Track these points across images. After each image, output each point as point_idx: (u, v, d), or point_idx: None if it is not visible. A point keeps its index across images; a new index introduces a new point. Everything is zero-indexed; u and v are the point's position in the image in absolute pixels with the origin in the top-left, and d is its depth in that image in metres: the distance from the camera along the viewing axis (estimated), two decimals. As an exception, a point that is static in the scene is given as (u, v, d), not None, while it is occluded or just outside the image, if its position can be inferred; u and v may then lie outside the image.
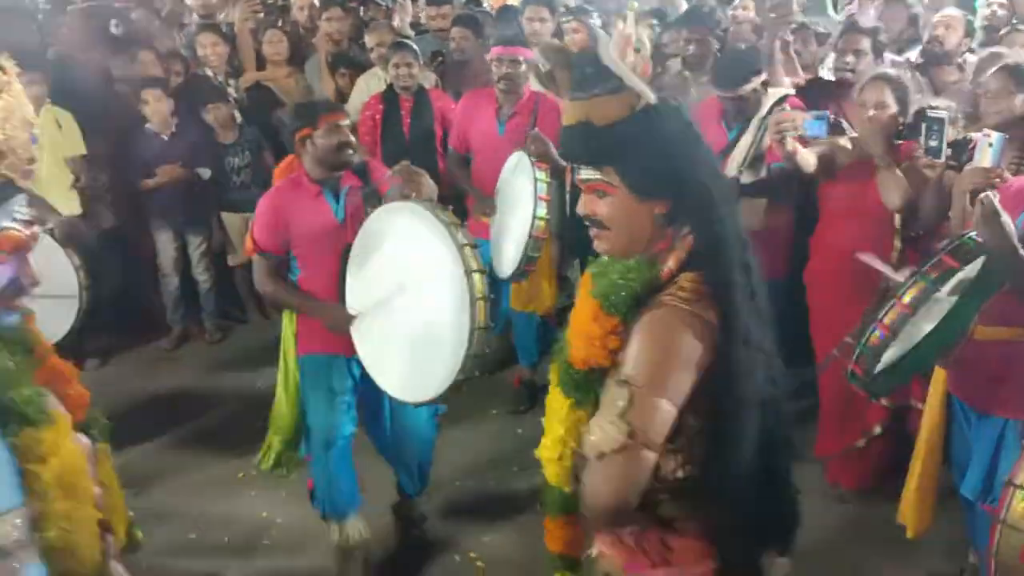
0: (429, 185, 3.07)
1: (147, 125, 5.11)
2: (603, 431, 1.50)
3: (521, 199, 3.88)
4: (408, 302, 2.90)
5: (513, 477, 3.96)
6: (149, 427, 4.44)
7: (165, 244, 5.31)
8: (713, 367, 1.55)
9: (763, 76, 3.82)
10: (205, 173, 5.19)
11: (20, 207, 1.65)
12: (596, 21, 5.58)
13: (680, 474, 1.63)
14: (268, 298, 3.45)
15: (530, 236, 3.75)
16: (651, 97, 1.59)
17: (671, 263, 1.60)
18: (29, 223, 1.69)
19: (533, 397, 4.62)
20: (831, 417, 3.75)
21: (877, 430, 3.61)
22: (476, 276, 2.67)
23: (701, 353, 1.54)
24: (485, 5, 7.24)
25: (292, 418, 3.28)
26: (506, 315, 4.62)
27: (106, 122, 5.14)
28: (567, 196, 4.67)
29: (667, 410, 1.51)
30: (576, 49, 2.53)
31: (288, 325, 3.30)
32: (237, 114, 5.24)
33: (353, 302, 3.07)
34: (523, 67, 4.17)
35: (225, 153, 5.22)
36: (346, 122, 3.21)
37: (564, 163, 4.16)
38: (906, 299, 2.35)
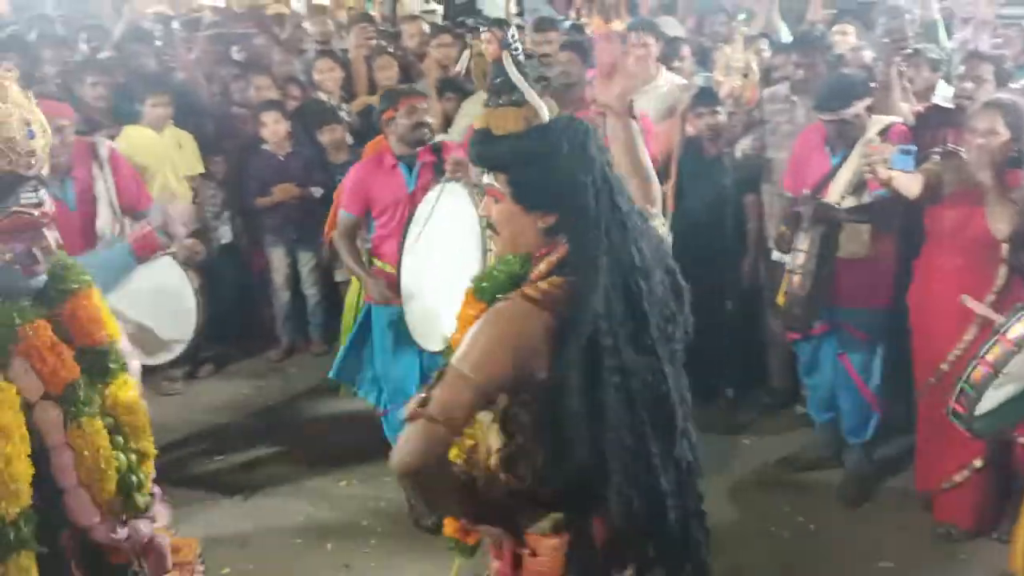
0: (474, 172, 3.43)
1: (264, 146, 5.36)
2: (411, 400, 1.61)
3: None
4: (438, 267, 3.45)
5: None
6: (255, 434, 4.64)
7: (277, 260, 5.54)
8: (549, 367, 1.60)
9: (868, 101, 3.76)
10: (317, 192, 5.40)
11: (26, 192, 1.89)
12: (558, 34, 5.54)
13: (529, 480, 1.67)
14: (337, 250, 4.12)
15: None
16: (545, 115, 1.68)
17: (542, 267, 1.67)
18: (37, 204, 1.91)
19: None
20: (928, 448, 3.65)
21: (978, 464, 3.48)
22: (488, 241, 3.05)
23: (529, 347, 1.59)
24: (588, 31, 7.33)
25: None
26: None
27: (225, 142, 5.44)
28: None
29: (469, 391, 1.58)
30: (490, 60, 2.88)
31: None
32: (349, 136, 5.45)
33: (406, 260, 3.64)
34: None
35: (337, 173, 5.41)
36: (424, 105, 3.79)
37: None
38: (1011, 335, 2.28)
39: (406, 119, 3.74)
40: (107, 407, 2.02)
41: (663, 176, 4.71)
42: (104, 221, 3.92)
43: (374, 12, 8.52)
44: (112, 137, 4.56)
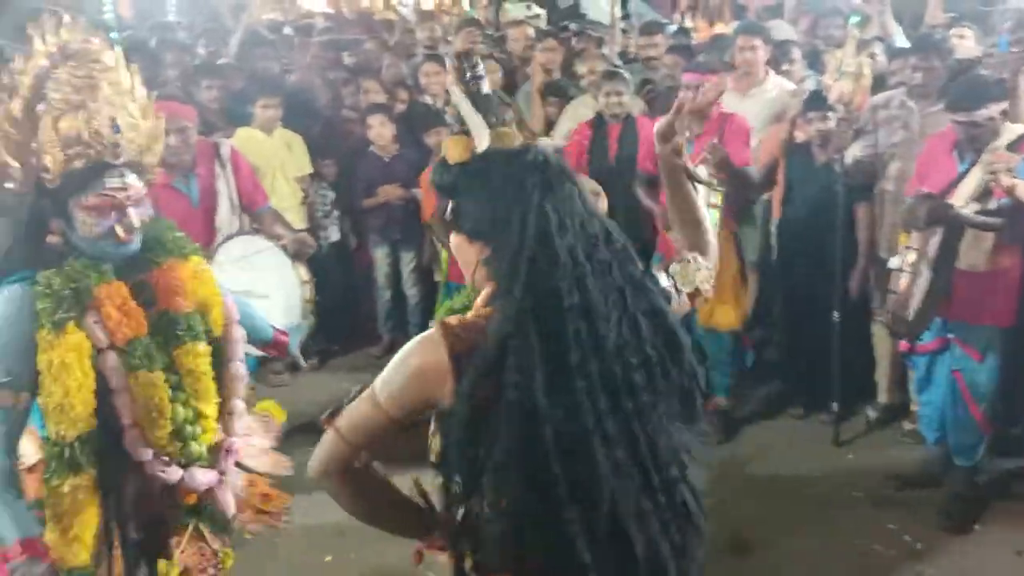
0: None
1: (371, 148, 5.49)
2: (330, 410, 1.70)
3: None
4: None
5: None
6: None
7: (381, 259, 5.67)
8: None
9: (1003, 105, 3.52)
10: (420, 194, 5.50)
11: (112, 178, 2.16)
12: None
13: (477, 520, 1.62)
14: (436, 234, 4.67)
15: None
16: (483, 144, 1.66)
17: (479, 299, 1.66)
18: (122, 188, 2.17)
19: (729, 427, 4.54)
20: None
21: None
22: None
23: (436, 377, 1.57)
24: (693, 35, 7.25)
25: None
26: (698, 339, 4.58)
27: (334, 144, 5.60)
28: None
29: (376, 419, 1.63)
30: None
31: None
32: (455, 139, 5.51)
33: None
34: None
35: (441, 175, 5.51)
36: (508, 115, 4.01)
37: (751, 182, 4.28)
38: None
39: None
40: (175, 367, 2.28)
41: (768, 182, 4.62)
42: (223, 217, 4.11)
43: (479, 17, 8.63)
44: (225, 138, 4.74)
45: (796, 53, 5.26)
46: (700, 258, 1.86)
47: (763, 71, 4.95)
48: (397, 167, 5.49)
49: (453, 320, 1.62)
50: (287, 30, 7.40)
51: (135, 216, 2.19)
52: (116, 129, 2.15)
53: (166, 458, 2.25)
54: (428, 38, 6.78)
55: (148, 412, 2.21)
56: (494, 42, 6.59)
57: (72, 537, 2.14)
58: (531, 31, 6.36)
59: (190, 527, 2.36)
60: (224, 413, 2.39)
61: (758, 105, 4.77)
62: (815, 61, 5.37)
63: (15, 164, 2.12)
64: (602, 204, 3.32)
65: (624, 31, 7.05)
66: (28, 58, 2.14)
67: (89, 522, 2.16)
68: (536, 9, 8.20)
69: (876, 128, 4.36)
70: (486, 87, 1.77)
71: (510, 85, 5.84)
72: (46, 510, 2.15)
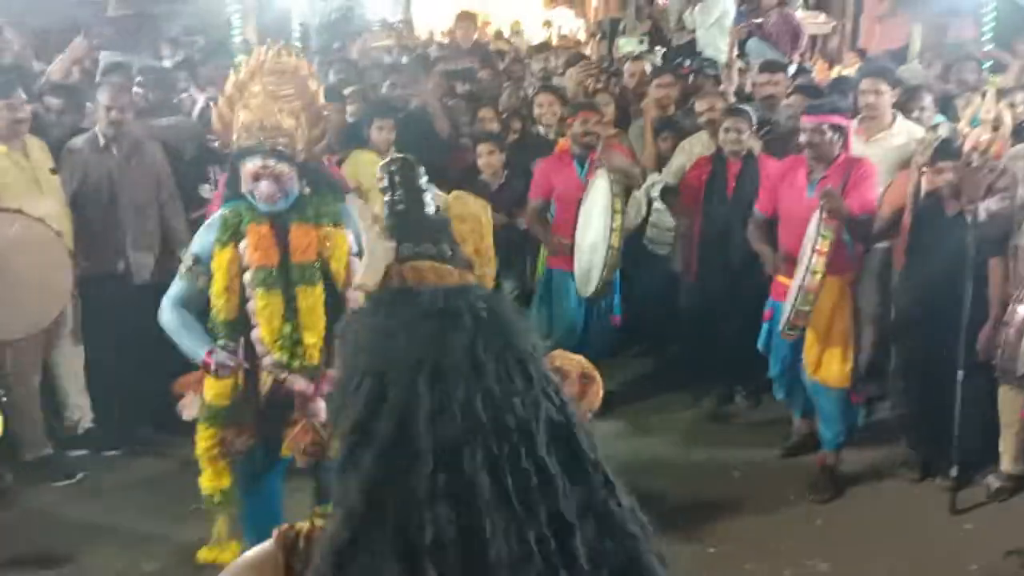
0: (619, 157, 4.92)
1: (480, 176, 5.50)
2: None
3: (804, 255, 3.89)
4: (591, 232, 4.58)
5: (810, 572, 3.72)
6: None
7: (482, 286, 5.65)
8: None
9: None
10: (523, 224, 5.47)
11: (257, 157, 2.87)
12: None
13: None
14: (528, 226, 5.10)
15: (800, 288, 3.79)
16: (365, 279, 1.48)
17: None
18: (263, 167, 2.89)
19: (837, 485, 4.32)
20: None
21: None
22: (618, 216, 4.38)
23: None
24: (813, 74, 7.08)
25: None
26: (806, 391, 4.39)
27: (445, 171, 5.62)
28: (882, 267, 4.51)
29: None
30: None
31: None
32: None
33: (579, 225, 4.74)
34: (828, 135, 4.12)
35: (545, 206, 5.48)
36: (595, 118, 4.82)
37: (870, 230, 4.20)
38: None
39: (579, 127, 4.82)
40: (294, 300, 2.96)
41: (890, 231, 4.42)
42: None
43: (591, 52, 8.66)
44: (340, 161, 4.93)
45: (927, 98, 5.04)
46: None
47: (890, 116, 4.76)
48: (502, 195, 5.47)
49: (297, 528, 1.28)
50: (404, 58, 7.55)
51: (265, 186, 2.87)
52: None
53: (275, 358, 2.95)
54: (541, 69, 6.82)
55: (266, 320, 2.92)
56: (609, 76, 6.56)
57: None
58: (647, 66, 6.31)
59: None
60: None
61: (884, 151, 4.59)
62: (946, 107, 5.14)
63: (223, 135, 3.01)
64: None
65: (741, 70, 6.92)
66: (237, 72, 2.97)
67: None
68: (645, 45, 8.18)
69: (1015, 180, 4.11)
70: (430, 204, 1.53)
71: (622, 119, 5.78)
72: None
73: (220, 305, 2.95)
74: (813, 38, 11.21)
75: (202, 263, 2.97)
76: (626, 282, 5.10)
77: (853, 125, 4.51)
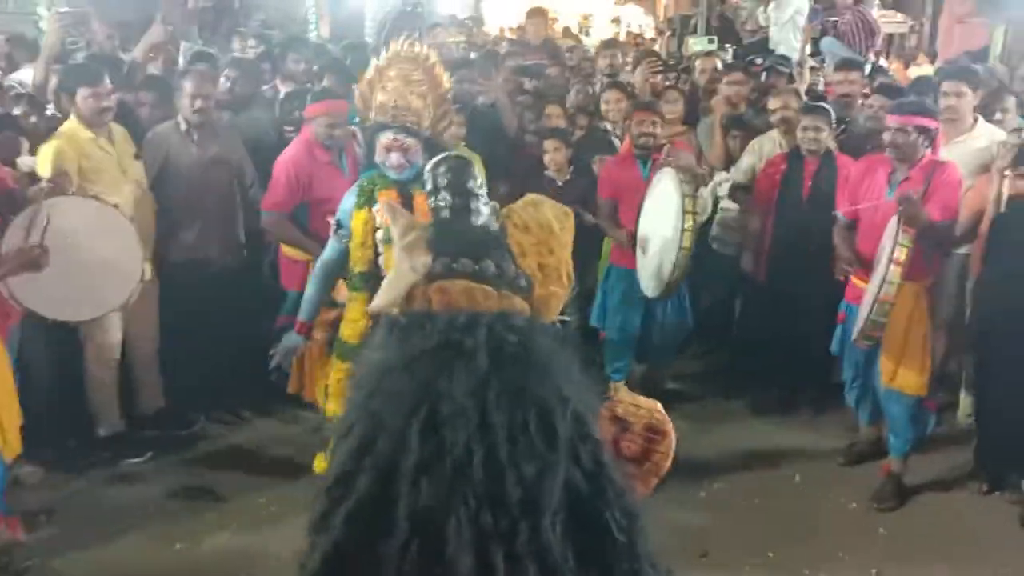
0: (686, 157, 4.97)
1: (546, 171, 5.50)
2: None
3: (880, 263, 3.82)
4: (656, 230, 4.57)
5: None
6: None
7: (544, 281, 5.66)
8: None
9: None
10: (589, 219, 5.46)
11: (389, 132, 3.40)
12: None
13: None
14: (601, 225, 5.06)
15: (876, 300, 3.70)
16: (379, 300, 1.39)
17: None
18: (394, 140, 3.39)
19: (902, 494, 4.22)
20: None
21: None
22: (690, 218, 4.33)
23: None
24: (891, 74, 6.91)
25: None
26: (876, 397, 4.29)
27: (511, 166, 5.64)
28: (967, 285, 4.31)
29: None
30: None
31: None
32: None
33: (641, 223, 4.76)
34: (912, 135, 4.02)
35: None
36: (653, 118, 4.84)
37: (950, 236, 4.11)
38: None
39: (636, 128, 4.87)
40: None
41: (969, 237, 4.30)
42: None
43: (660, 49, 8.58)
44: None
45: (1010, 101, 4.89)
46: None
47: (971, 118, 4.63)
48: (569, 192, 5.44)
49: None
50: (472, 54, 7.57)
51: (395, 157, 3.38)
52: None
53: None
54: (608, 66, 6.78)
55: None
56: (678, 72, 6.50)
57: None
58: (718, 63, 6.23)
59: None
60: None
61: (964, 154, 4.46)
62: (1031, 110, 4.98)
63: (363, 113, 3.48)
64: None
65: (813, 68, 6.80)
66: (378, 60, 3.45)
67: (362, 317, 3.40)
68: (715, 44, 8.07)
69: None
70: (481, 211, 1.42)
71: (691, 116, 5.72)
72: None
73: (356, 257, 3.47)
74: (889, 37, 10.96)
75: (343, 227, 3.48)
76: (688, 281, 5.06)
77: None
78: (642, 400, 2.21)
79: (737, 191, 5.19)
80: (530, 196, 1.79)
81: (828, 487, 4.33)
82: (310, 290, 3.64)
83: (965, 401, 4.68)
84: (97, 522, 3.93)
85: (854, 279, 4.26)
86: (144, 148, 4.54)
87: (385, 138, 3.38)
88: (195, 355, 4.67)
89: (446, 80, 3.46)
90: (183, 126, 4.62)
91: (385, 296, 1.32)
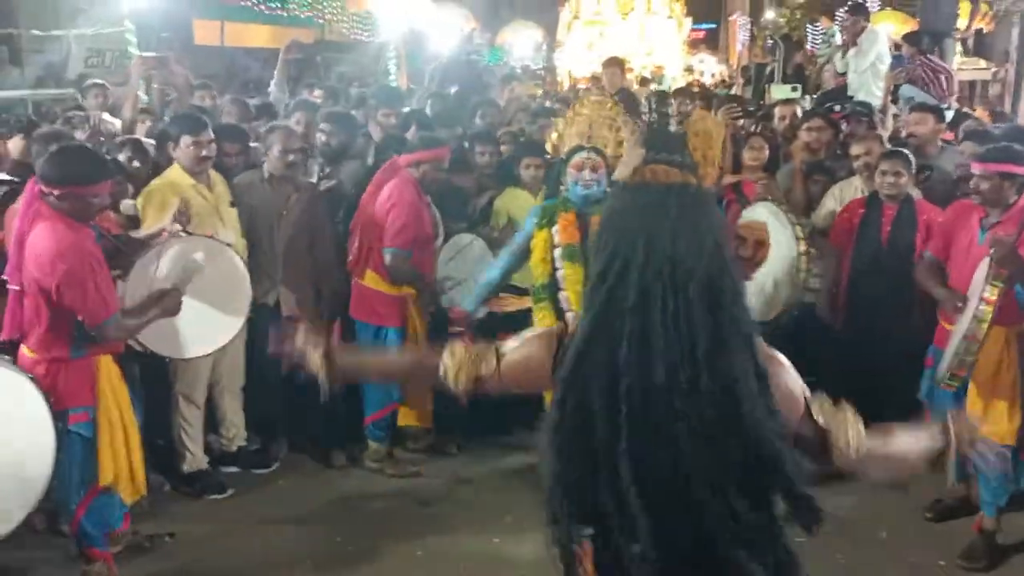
0: (775, 186, 5.19)
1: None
2: None
3: (970, 303, 3.73)
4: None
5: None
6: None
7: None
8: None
9: None
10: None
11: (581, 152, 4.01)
12: None
13: None
14: None
15: (964, 337, 3.60)
16: (618, 172, 2.29)
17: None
18: (586, 159, 3.98)
19: (994, 554, 4.04)
20: None
21: None
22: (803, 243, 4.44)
23: (537, 363, 1.93)
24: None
25: None
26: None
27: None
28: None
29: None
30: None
31: None
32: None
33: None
34: (997, 181, 3.94)
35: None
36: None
37: None
38: None
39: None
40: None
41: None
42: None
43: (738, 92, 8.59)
44: (493, 198, 5.22)
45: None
46: (860, 428, 1.91)
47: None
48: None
49: (564, 328, 1.97)
50: (547, 102, 7.71)
51: (588, 174, 3.90)
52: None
53: (575, 315, 3.68)
54: (679, 113, 6.80)
55: (570, 285, 3.92)
56: (758, 119, 6.49)
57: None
58: (798, 110, 6.21)
59: None
60: None
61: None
62: None
63: (558, 148, 4.16)
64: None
65: (895, 115, 6.72)
66: (573, 107, 4.33)
67: (551, 318, 3.96)
68: (799, 92, 8.05)
69: None
70: (673, 125, 2.27)
71: (772, 161, 5.70)
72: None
73: (538, 272, 4.00)
74: (972, 84, 10.77)
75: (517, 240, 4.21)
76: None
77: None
78: (752, 223, 4.03)
79: (815, 236, 5.12)
80: (699, 112, 2.52)
81: (915, 544, 4.18)
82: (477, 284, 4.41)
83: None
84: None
85: (943, 323, 4.15)
86: (235, 197, 4.69)
87: (579, 157, 3.90)
88: (274, 394, 4.77)
89: (622, 120, 4.06)
90: (266, 175, 4.78)
91: (625, 171, 2.15)
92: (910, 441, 2.06)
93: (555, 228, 3.96)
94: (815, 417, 1.88)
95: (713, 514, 1.67)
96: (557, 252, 3.95)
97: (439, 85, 8.29)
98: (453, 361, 1.97)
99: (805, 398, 1.89)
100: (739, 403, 1.66)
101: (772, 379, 1.74)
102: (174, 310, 3.66)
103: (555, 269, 3.97)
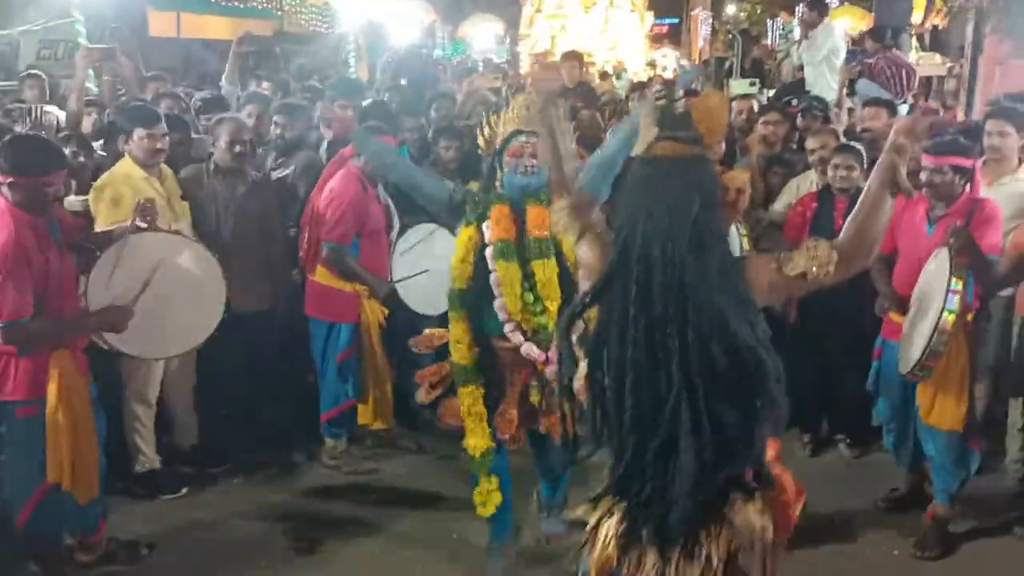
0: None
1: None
2: None
3: (936, 294, 3.75)
4: None
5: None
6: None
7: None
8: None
9: None
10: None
11: (521, 137, 3.50)
12: None
13: None
14: None
15: (935, 330, 3.64)
16: (638, 147, 2.34)
17: None
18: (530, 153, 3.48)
19: (946, 542, 4.10)
20: None
21: None
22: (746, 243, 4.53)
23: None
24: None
25: None
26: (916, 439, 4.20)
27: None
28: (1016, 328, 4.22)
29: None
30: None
31: None
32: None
33: None
34: (948, 175, 4.01)
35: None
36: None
37: (994, 273, 3.95)
38: None
39: None
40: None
41: (1015, 277, 4.21)
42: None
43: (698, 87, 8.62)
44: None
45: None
46: (822, 245, 2.20)
47: (1016, 159, 4.57)
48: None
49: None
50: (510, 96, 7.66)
51: (527, 159, 3.41)
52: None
53: (514, 325, 3.41)
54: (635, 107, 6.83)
55: (507, 288, 3.38)
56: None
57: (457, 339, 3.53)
58: (754, 104, 6.25)
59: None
60: None
61: (1008, 195, 4.40)
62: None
63: (491, 144, 3.61)
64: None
65: (850, 109, 6.79)
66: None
67: (465, 337, 3.48)
68: (756, 88, 8.11)
69: None
70: (680, 104, 2.34)
71: (727, 157, 5.73)
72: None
73: (456, 274, 3.47)
74: (928, 80, 10.92)
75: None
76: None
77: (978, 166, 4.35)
78: (733, 175, 4.17)
79: (770, 230, 5.16)
80: (707, 91, 2.83)
81: (868, 534, 4.23)
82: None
83: (1012, 447, 4.56)
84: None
85: (891, 315, 4.21)
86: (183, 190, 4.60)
87: (517, 143, 3.43)
88: (227, 395, 4.72)
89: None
90: (212, 169, 4.69)
91: (640, 146, 2.26)
92: (869, 185, 2.31)
93: (485, 224, 3.42)
94: (788, 273, 2.22)
95: (703, 425, 2.11)
96: (488, 251, 3.40)
97: (391, 78, 8.22)
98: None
99: (777, 261, 2.25)
100: (726, 323, 2.10)
101: (750, 275, 2.23)
102: (120, 327, 3.58)
103: (486, 273, 3.41)
